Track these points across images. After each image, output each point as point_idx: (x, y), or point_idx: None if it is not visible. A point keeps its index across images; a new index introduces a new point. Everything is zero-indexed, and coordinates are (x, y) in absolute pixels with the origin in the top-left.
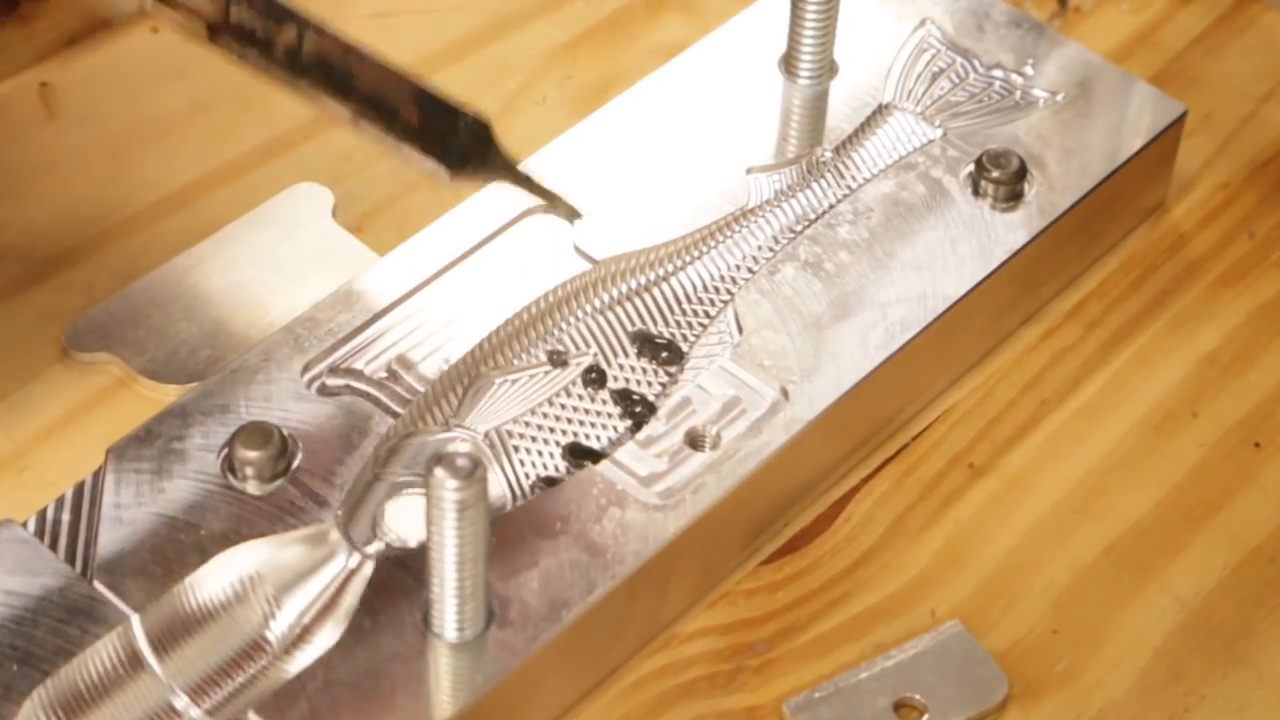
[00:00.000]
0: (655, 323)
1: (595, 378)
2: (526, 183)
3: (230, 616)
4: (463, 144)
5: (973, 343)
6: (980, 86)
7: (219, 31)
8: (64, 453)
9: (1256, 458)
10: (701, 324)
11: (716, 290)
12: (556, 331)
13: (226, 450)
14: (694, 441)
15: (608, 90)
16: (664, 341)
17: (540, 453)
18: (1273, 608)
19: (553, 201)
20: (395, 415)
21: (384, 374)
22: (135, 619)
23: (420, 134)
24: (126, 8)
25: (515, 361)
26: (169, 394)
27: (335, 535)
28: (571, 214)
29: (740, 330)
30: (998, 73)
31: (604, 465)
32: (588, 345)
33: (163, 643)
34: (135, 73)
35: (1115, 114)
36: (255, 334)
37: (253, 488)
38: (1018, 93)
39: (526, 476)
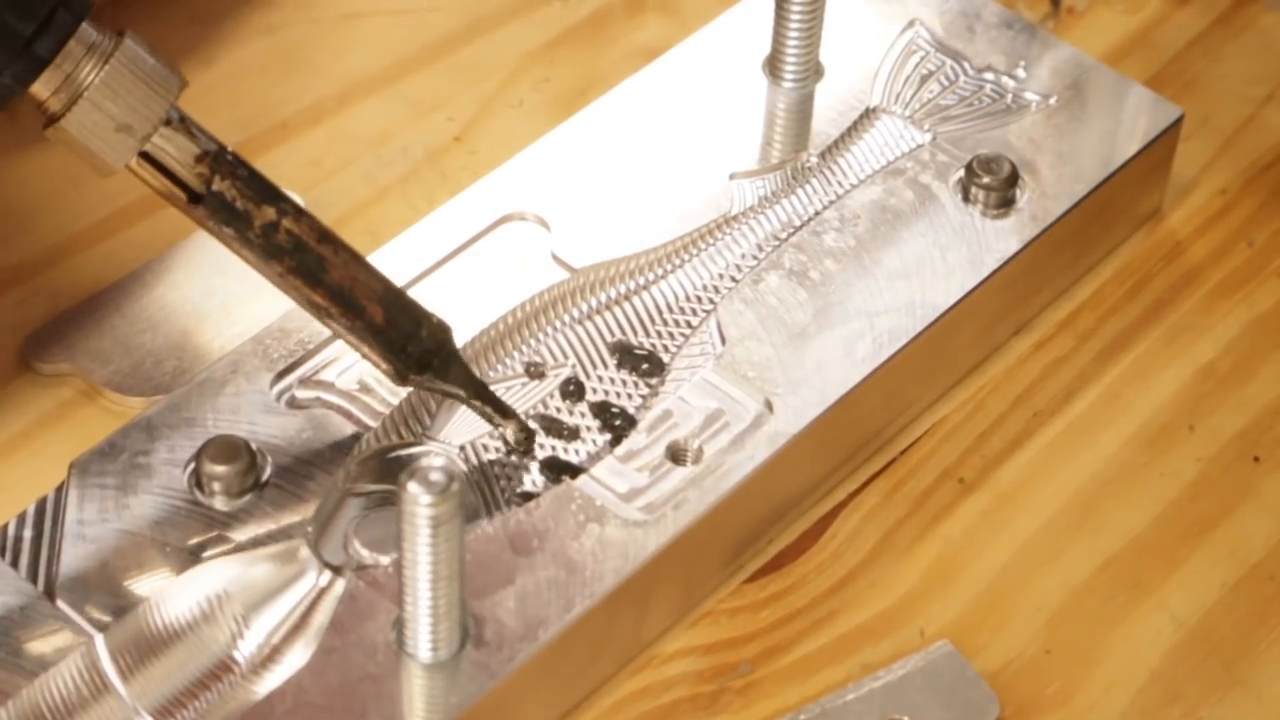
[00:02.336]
0: (635, 333)
1: (574, 389)
2: (482, 397)
3: (197, 636)
4: (424, 350)
5: (963, 354)
6: (971, 89)
7: (199, 201)
8: (25, 467)
9: (1255, 472)
10: (683, 334)
11: (699, 299)
12: (534, 342)
13: (193, 465)
14: (675, 455)
15: (586, 93)
16: (644, 352)
17: (517, 467)
18: (1272, 627)
19: (506, 421)
20: (367, 428)
21: (356, 386)
22: (99, 639)
23: (383, 333)
24: (108, 166)
25: (491, 373)
26: (134, 407)
27: (305, 552)
28: (525, 439)
29: (723, 341)
30: (989, 75)
31: (583, 480)
32: (566, 356)
33: (127, 663)
34: None
35: (1110, 118)
36: (223, 345)
37: (220, 503)
38: (1009, 96)
39: (503, 491)
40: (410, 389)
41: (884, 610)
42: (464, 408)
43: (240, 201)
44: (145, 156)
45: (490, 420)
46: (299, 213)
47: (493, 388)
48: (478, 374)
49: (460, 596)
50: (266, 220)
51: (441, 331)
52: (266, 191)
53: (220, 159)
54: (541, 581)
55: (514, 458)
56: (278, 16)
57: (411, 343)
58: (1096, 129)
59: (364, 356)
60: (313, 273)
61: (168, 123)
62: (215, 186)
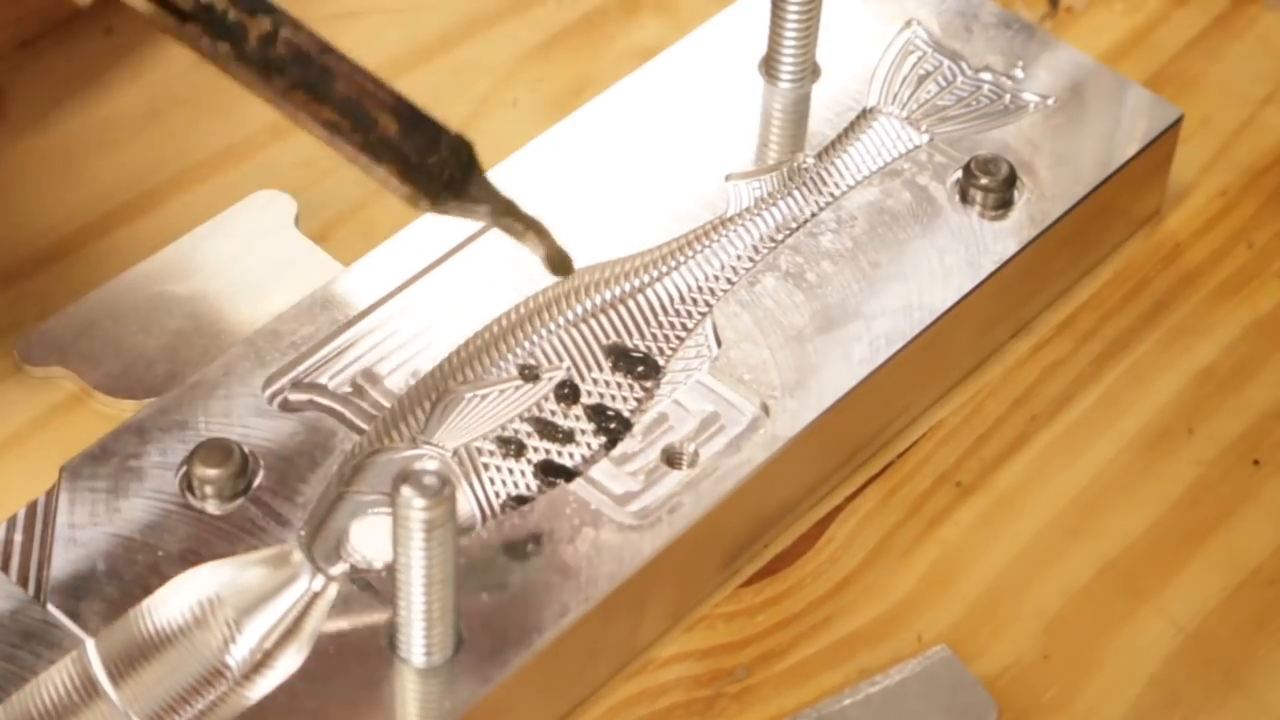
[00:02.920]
0: (630, 335)
1: (568, 393)
2: (512, 213)
3: (189, 641)
4: (443, 164)
5: (960, 356)
6: (968, 90)
7: (189, 19)
8: (16, 471)
9: (1255, 476)
10: (679, 337)
11: (694, 302)
12: (528, 345)
13: (185, 468)
14: (671, 459)
15: (581, 94)
16: (640, 355)
17: (511, 471)
18: (1272, 632)
19: (541, 239)
20: (360, 432)
21: (349, 389)
22: (90, 644)
23: (398, 148)
24: None
25: (485, 376)
26: (125, 410)
27: (298, 556)
28: (563, 261)
29: (719, 343)
30: (986, 76)
31: (577, 484)
32: (560, 359)
33: (119, 668)
34: (90, 76)
35: (1108, 118)
36: (215, 347)
37: (212, 507)
38: (1007, 96)
39: (497, 495)
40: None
41: (881, 615)
42: (459, 409)
43: (233, 12)
44: None
45: (521, 239)
46: (296, 23)
47: (487, 392)
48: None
49: (454, 601)
50: (262, 31)
51: (462, 145)
52: (259, 2)
53: None
54: (536, 586)
55: (553, 279)
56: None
57: (431, 155)
58: (1095, 130)
59: (380, 181)
60: (317, 85)
61: None
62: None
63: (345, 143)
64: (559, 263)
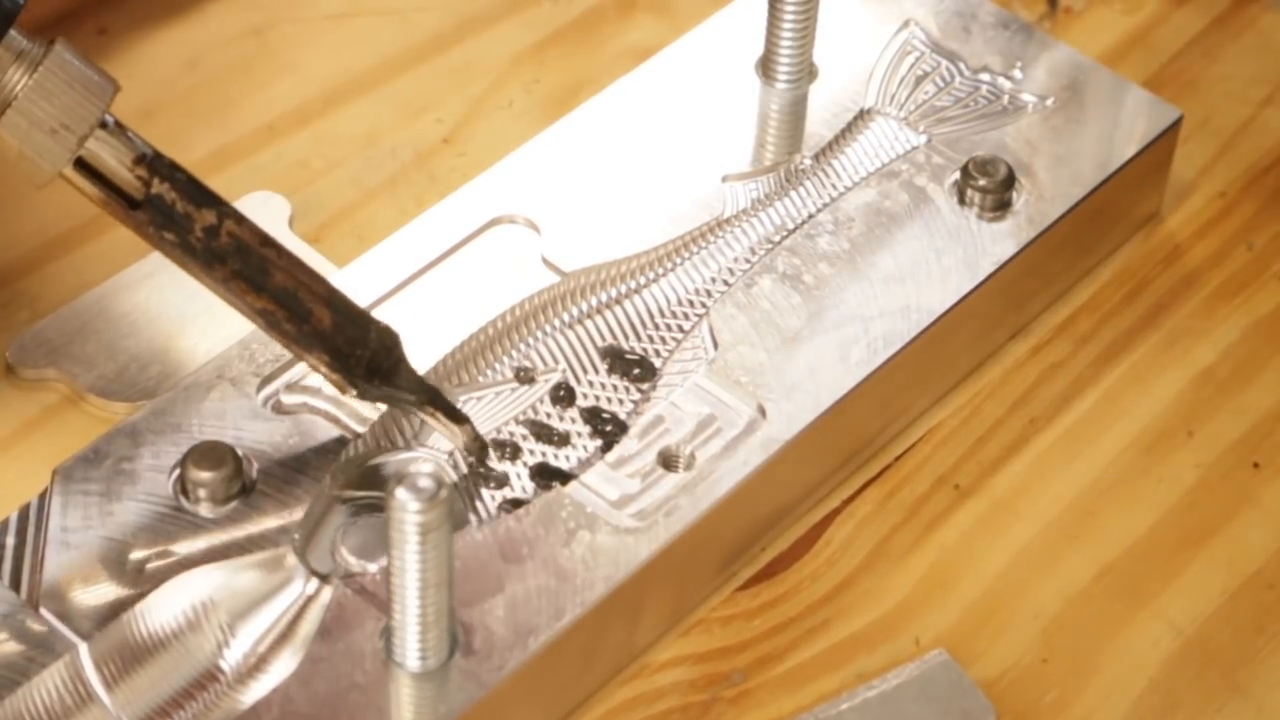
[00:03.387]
0: (627, 338)
1: (564, 395)
2: (435, 403)
3: (182, 645)
4: (372, 355)
5: (958, 359)
6: (966, 91)
7: (137, 207)
8: (8, 474)
9: (1255, 479)
10: (675, 339)
11: (691, 304)
12: (523, 347)
13: (178, 471)
14: (667, 462)
15: (576, 95)
16: (636, 357)
17: (507, 473)
18: (1272, 635)
19: (462, 429)
20: (354, 434)
21: None
22: (83, 647)
23: (330, 339)
24: (40, 176)
25: (480, 378)
26: (118, 412)
27: (292, 560)
28: (479, 448)
29: (716, 345)
30: (985, 76)
31: (573, 486)
32: (556, 361)
33: (112, 672)
34: None
35: (1107, 119)
36: (208, 350)
37: (206, 510)
38: (1006, 97)
39: (492, 498)
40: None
41: (878, 618)
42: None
43: (180, 204)
44: (80, 164)
45: (444, 428)
46: (238, 216)
47: (483, 393)
48: (433, 380)
49: (449, 605)
50: (207, 224)
51: (389, 336)
52: (205, 195)
53: (158, 162)
54: (531, 589)
55: (473, 466)
56: (263, 17)
57: (360, 347)
58: (1094, 131)
59: (311, 366)
60: (256, 277)
61: (103, 126)
62: (154, 190)
63: (278, 332)
64: (478, 452)
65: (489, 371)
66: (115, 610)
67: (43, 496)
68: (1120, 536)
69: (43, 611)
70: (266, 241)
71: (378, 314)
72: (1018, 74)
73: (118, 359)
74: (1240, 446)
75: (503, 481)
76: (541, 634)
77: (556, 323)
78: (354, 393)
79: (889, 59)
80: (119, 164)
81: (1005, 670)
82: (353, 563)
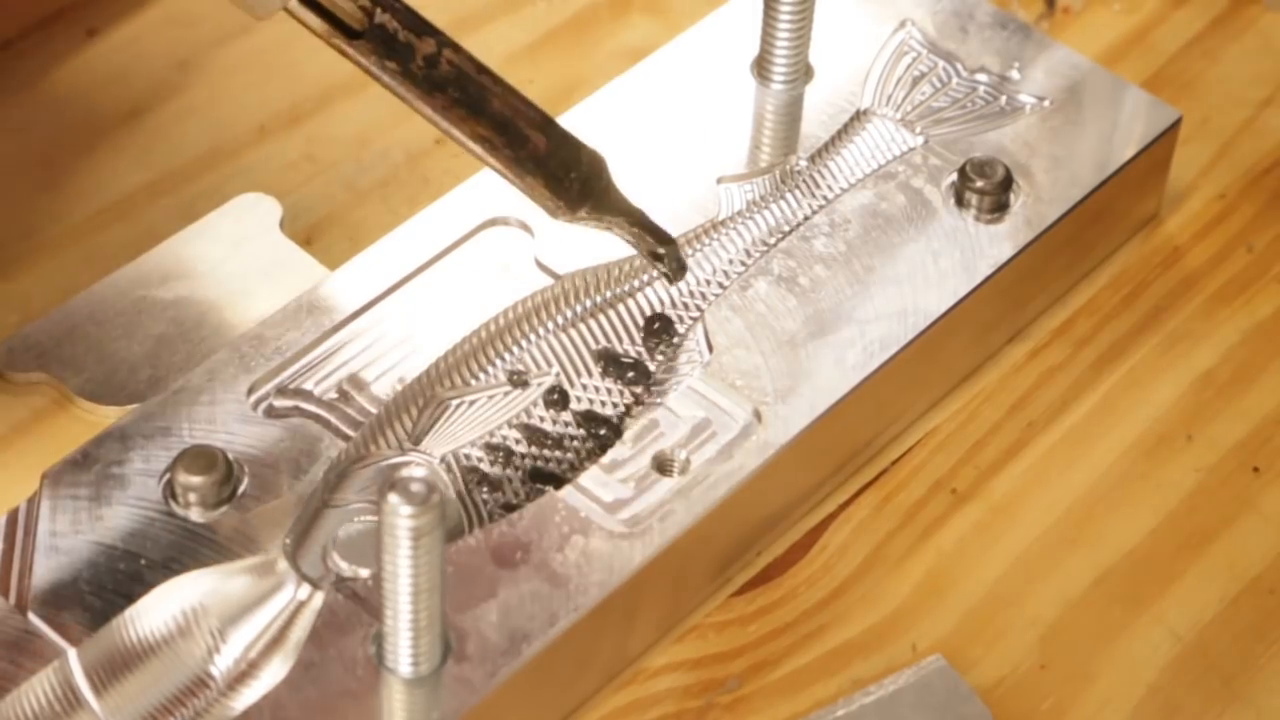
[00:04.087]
0: (621, 341)
1: (557, 398)
2: (643, 224)
3: (172, 651)
4: (584, 177)
5: (956, 362)
6: (964, 91)
7: (358, 37)
8: None
9: (1255, 483)
10: (670, 342)
11: (685, 306)
12: (517, 350)
13: (168, 475)
14: (662, 466)
15: (570, 95)
16: (630, 360)
17: (499, 478)
18: (1272, 641)
19: (668, 250)
20: (346, 438)
21: (334, 395)
22: (72, 653)
23: (544, 162)
24: (266, 7)
25: (473, 381)
26: (108, 416)
27: (283, 565)
28: (679, 268)
29: (710, 349)
30: (982, 77)
31: (566, 491)
32: (550, 364)
33: (101, 678)
34: (72, 77)
35: (1106, 121)
36: (199, 353)
37: (196, 515)
38: (1003, 98)
39: (485, 503)
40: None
41: (875, 624)
42: (446, 415)
43: (403, 33)
44: None
45: (649, 249)
46: (455, 45)
47: (475, 398)
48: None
49: (441, 610)
50: (429, 51)
51: (598, 160)
52: (422, 23)
53: None
54: (525, 595)
55: (666, 285)
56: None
57: (573, 170)
58: (1092, 132)
59: (524, 191)
60: (476, 103)
61: None
62: (378, 19)
63: (496, 157)
64: (678, 274)
65: (482, 375)
66: (105, 616)
67: (31, 501)
68: (1119, 541)
69: (31, 617)
70: (482, 69)
71: (369, 319)
72: (1015, 75)
73: (107, 362)
74: (1240, 450)
75: (496, 486)
76: (535, 640)
77: (550, 325)
78: (567, 216)
79: (885, 59)
80: None
81: (1003, 676)
82: (344, 568)
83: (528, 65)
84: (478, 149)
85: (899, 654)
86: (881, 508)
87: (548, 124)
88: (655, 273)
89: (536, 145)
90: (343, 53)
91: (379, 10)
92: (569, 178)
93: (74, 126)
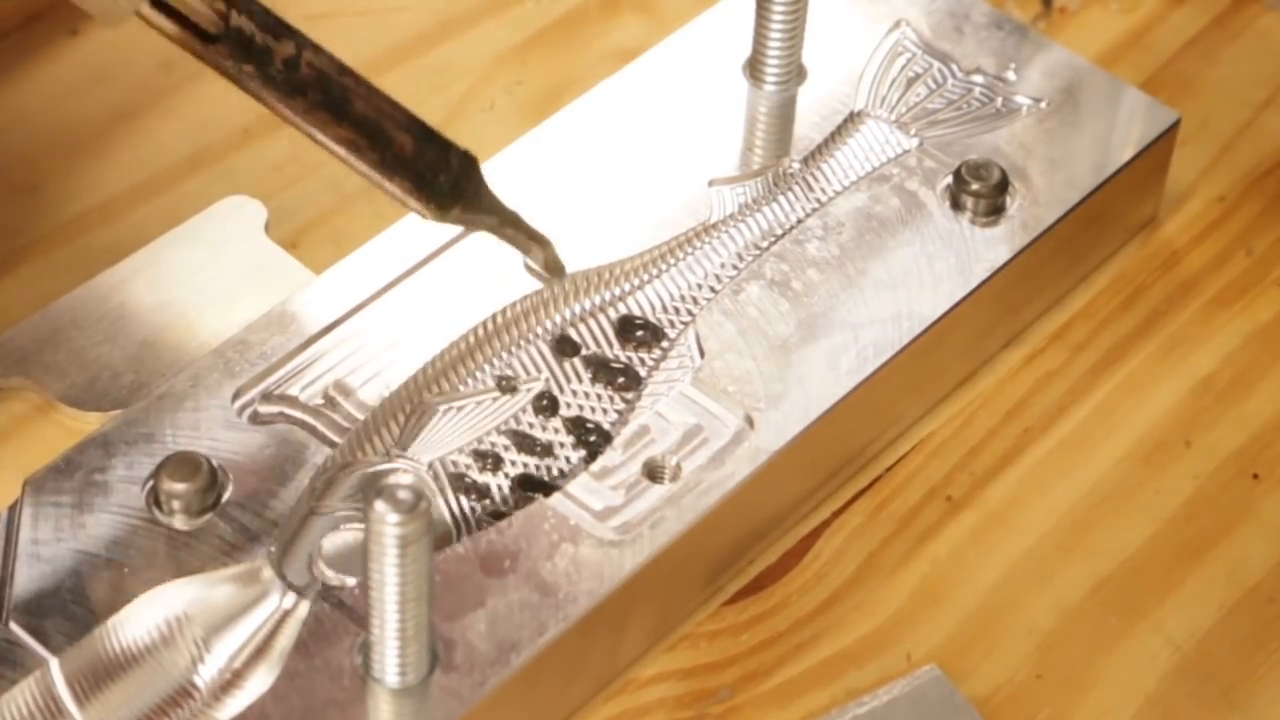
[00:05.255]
0: (611, 346)
1: (547, 405)
2: (515, 224)
3: (156, 660)
4: (454, 178)
5: (951, 367)
6: (959, 93)
7: (215, 41)
8: None
9: (1255, 490)
10: (661, 347)
11: (677, 311)
12: (505, 355)
13: (152, 482)
14: (652, 473)
15: (560, 97)
16: (620, 366)
17: (488, 485)
18: (1271, 651)
19: (541, 249)
20: (332, 445)
21: (320, 401)
22: (54, 663)
23: (411, 164)
24: (116, 14)
25: (461, 387)
26: (90, 422)
27: (268, 573)
28: (557, 269)
29: (702, 354)
30: (978, 78)
31: (556, 498)
32: (539, 370)
33: (83, 688)
34: (54, 78)
35: (1104, 122)
36: (183, 358)
37: (180, 522)
38: (999, 99)
39: (473, 510)
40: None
41: (869, 633)
42: (434, 422)
43: (260, 36)
44: (157, 1)
45: (523, 249)
46: (315, 46)
47: (463, 404)
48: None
49: (429, 619)
50: (288, 53)
51: (468, 160)
52: (281, 25)
53: None
54: (513, 603)
55: (549, 286)
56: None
57: (442, 172)
58: (1090, 134)
59: (392, 195)
60: (339, 105)
61: None
62: (234, 22)
63: (362, 160)
64: (556, 271)
65: (470, 380)
66: (87, 625)
67: (13, 508)
68: (1116, 549)
69: (12, 626)
70: (344, 70)
71: (355, 324)
72: (1012, 76)
73: (90, 368)
74: (1239, 457)
75: (484, 493)
76: (524, 649)
77: (539, 330)
78: (437, 217)
79: (880, 60)
80: None
81: (999, 686)
82: (330, 576)
83: (516, 66)
84: (343, 152)
85: (893, 663)
86: (875, 515)
87: (414, 124)
88: (641, 279)
89: (403, 146)
90: (200, 57)
91: (234, 13)
92: (438, 180)
93: (56, 128)
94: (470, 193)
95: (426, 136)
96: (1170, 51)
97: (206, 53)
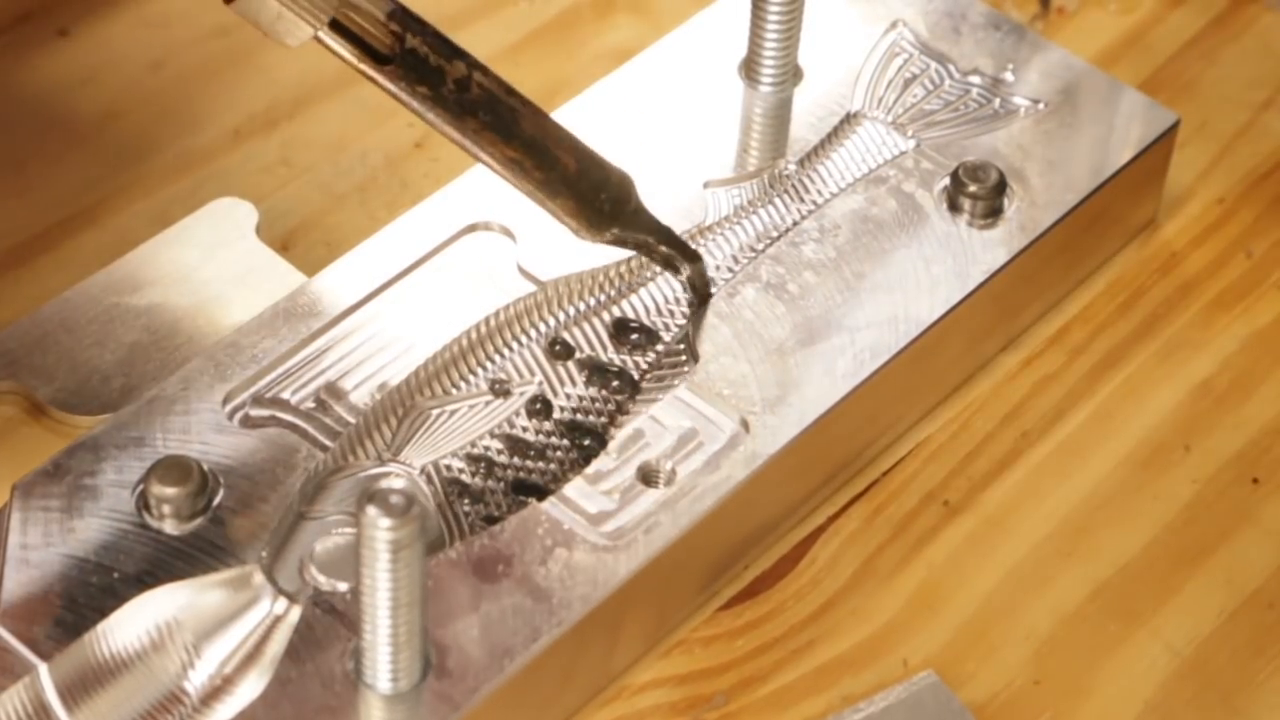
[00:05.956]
0: (606, 349)
1: (540, 408)
2: (670, 242)
3: (146, 666)
4: (613, 198)
5: (948, 371)
6: (956, 94)
7: (389, 62)
8: None
9: (1254, 495)
10: (655, 350)
11: (672, 314)
12: (499, 358)
13: (142, 487)
14: (647, 477)
15: (554, 97)
16: (615, 369)
17: (481, 489)
18: (1271, 657)
19: (692, 267)
20: (324, 449)
21: (312, 404)
22: (43, 669)
23: (575, 184)
24: (296, 36)
25: (454, 391)
26: (80, 426)
27: (259, 578)
28: (705, 287)
29: (697, 357)
30: (975, 79)
31: (549, 503)
32: (532, 373)
33: (73, 694)
34: (43, 79)
35: (1102, 123)
36: (173, 361)
37: (170, 527)
38: (997, 100)
39: (466, 515)
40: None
41: (865, 639)
42: (427, 425)
43: (433, 58)
44: (334, 24)
45: (674, 266)
46: (484, 67)
47: (455, 407)
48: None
49: (421, 624)
50: (459, 75)
51: (626, 180)
52: (451, 46)
53: (408, 16)
54: (506, 609)
55: (690, 305)
56: (230, 18)
57: (602, 191)
58: (1088, 135)
59: (553, 214)
60: (507, 126)
61: None
62: (408, 44)
63: (527, 179)
64: (704, 292)
65: (463, 384)
66: (76, 630)
67: (1, 513)
68: (1115, 554)
69: (1, 631)
70: (511, 91)
71: (347, 326)
72: (1009, 76)
73: (79, 371)
74: (1239, 461)
75: (477, 497)
76: (517, 655)
77: (533, 333)
78: (593, 236)
79: (876, 61)
80: (372, 18)
81: (996, 693)
82: (322, 581)
83: (510, 66)
84: (508, 172)
85: (890, 670)
86: (872, 520)
87: (577, 146)
88: (635, 282)
89: (567, 166)
90: (372, 80)
91: (409, 35)
92: (599, 198)
93: (45, 129)
94: (629, 212)
95: (588, 157)
96: (1169, 52)
97: (381, 74)
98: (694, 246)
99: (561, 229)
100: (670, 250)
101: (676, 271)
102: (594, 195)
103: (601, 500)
